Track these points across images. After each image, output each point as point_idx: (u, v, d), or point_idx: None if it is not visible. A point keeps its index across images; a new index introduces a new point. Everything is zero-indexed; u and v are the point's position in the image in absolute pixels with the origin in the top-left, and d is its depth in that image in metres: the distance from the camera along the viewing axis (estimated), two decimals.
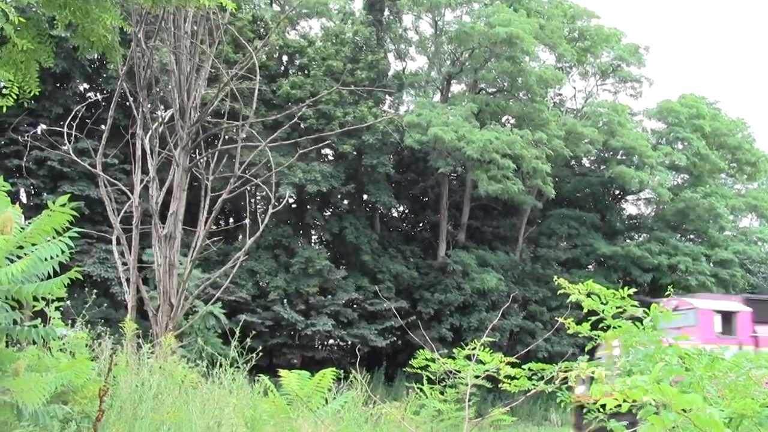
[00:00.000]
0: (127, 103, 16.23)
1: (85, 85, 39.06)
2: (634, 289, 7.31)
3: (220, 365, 9.45)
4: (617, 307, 7.07)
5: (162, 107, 15.68)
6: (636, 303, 7.17)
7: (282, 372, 10.49)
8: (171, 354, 9.51)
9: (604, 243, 48.15)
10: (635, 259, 47.03)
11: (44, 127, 28.74)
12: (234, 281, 30.10)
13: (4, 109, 9.84)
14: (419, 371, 10.95)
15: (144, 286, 14.45)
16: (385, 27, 47.26)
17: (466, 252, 44.25)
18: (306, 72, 43.18)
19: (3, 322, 5.11)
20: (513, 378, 8.87)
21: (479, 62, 45.79)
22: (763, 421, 5.09)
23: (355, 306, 39.86)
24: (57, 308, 6.67)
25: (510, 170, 40.72)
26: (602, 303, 7.07)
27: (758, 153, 51.91)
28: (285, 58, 45.83)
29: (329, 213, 45.80)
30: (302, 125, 38.45)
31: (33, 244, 5.02)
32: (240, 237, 38.25)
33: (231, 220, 42.14)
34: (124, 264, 13.92)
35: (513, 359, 11.24)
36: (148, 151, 14.13)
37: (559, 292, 7.76)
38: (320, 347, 40.59)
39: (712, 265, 48.77)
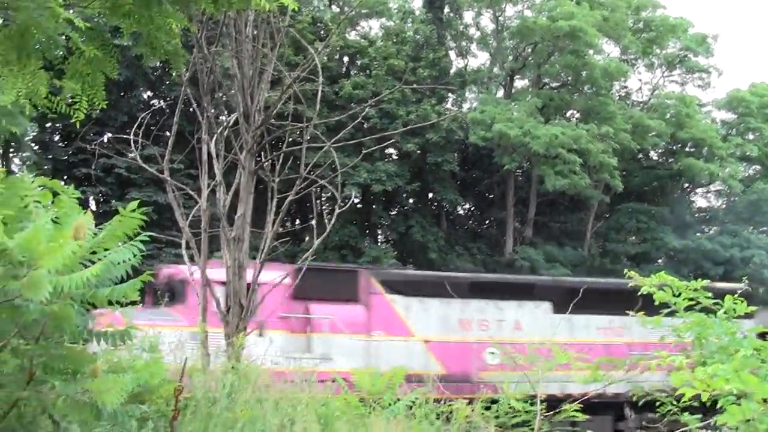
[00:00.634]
0: (191, 109, 16.42)
1: (149, 93, 39.70)
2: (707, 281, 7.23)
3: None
4: (690, 299, 6.98)
5: (226, 112, 15.81)
6: (709, 295, 7.07)
7: (353, 370, 10.57)
8: (242, 354, 9.65)
9: (674, 237, 47.44)
10: (706, 253, 46.30)
11: (110, 135, 29.20)
12: None
13: (77, 124, 10.03)
14: None
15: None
16: (446, 24, 47.23)
17: (533, 248, 44.03)
18: (368, 72, 43.32)
19: (80, 325, 5.26)
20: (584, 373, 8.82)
21: (542, 57, 45.56)
22: None
23: None
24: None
25: (576, 165, 40.47)
26: (674, 295, 7.00)
27: None
28: (346, 58, 46.05)
29: (395, 212, 45.89)
30: (365, 125, 38.55)
31: (105, 249, 5.15)
32: (307, 238, 38.48)
33: (297, 221, 42.45)
34: (193, 263, 14.09)
35: (584, 354, 11.20)
36: (214, 156, 14.28)
37: (629, 285, 7.71)
38: None
39: None
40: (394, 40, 44.14)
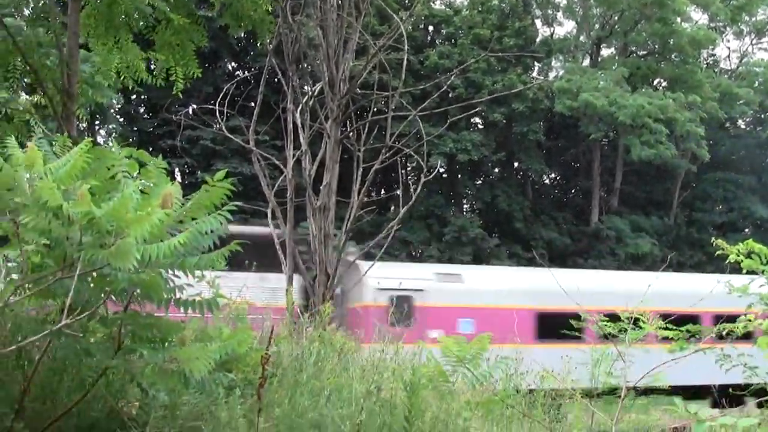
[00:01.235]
0: (276, 79, 16.49)
1: (233, 64, 40.04)
2: None
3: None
4: None
5: (311, 81, 15.82)
6: None
7: (440, 337, 10.54)
8: (329, 322, 9.68)
9: (762, 206, 46.53)
10: None
11: (195, 107, 29.46)
12: (387, 251, 30.41)
13: (178, 94, 10.06)
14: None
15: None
16: None
17: (619, 217, 43.56)
18: (453, 41, 43.11)
19: (169, 294, 5.30)
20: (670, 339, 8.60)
21: (629, 25, 44.84)
22: None
23: None
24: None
25: (663, 135, 39.84)
26: (763, 264, 6.82)
27: None
28: (431, 28, 45.83)
29: (480, 181, 45.75)
30: (451, 95, 38.37)
31: (193, 219, 5.17)
32: (392, 207, 38.58)
33: (383, 191, 42.54)
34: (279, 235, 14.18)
35: (669, 324, 10.97)
36: (299, 125, 14.33)
37: (717, 253, 7.52)
38: None
39: None
40: (480, 9, 43.74)
